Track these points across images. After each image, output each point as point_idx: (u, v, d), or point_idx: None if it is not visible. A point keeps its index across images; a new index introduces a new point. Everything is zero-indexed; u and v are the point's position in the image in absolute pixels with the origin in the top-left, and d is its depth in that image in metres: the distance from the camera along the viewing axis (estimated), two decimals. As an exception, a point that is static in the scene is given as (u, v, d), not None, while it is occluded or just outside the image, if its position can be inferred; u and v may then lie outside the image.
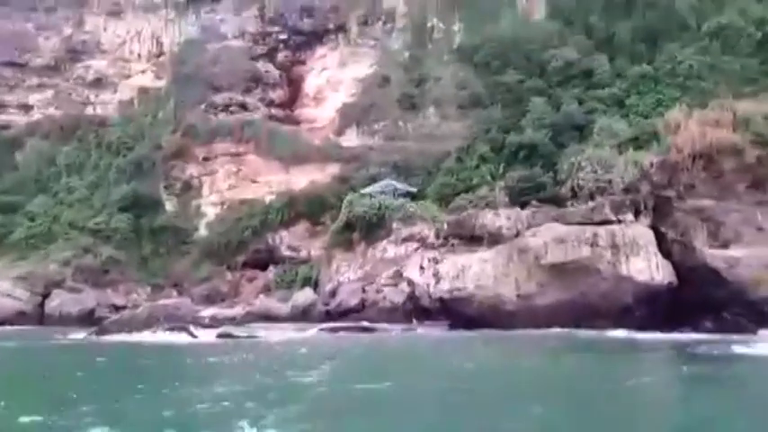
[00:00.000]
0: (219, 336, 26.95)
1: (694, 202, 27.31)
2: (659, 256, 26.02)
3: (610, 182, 29.43)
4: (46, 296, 44.31)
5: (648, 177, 28.47)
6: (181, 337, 27.19)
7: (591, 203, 28.51)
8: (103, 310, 42.97)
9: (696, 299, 24.96)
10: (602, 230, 26.34)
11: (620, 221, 26.87)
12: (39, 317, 42.89)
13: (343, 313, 34.97)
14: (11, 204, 50.32)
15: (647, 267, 25.52)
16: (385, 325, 29.37)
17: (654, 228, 27.22)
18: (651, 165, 28.69)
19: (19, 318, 42.48)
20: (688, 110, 31.33)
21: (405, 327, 29.62)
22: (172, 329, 27.68)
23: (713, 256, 25.84)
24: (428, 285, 29.55)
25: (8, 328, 39.21)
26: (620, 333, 23.39)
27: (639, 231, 26.46)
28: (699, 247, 26.24)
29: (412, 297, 32.51)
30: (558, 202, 33.01)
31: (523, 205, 33.40)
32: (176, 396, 11.83)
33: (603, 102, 43.47)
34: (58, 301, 43.81)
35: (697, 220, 26.84)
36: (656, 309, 25.08)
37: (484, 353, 20.31)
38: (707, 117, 29.52)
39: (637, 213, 27.54)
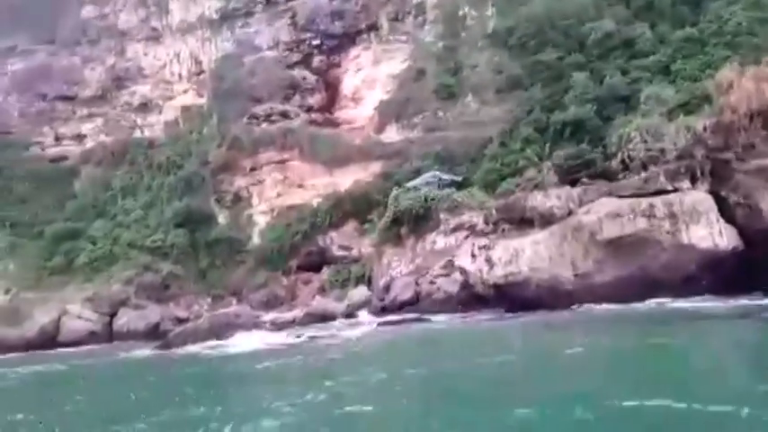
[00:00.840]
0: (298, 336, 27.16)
1: (756, 161, 25.97)
2: (722, 221, 24.89)
3: (662, 150, 28.26)
4: (113, 315, 45.98)
5: (703, 141, 27.23)
6: (250, 343, 27.68)
7: (644, 174, 27.49)
8: (168, 323, 44.27)
9: (765, 262, 23.70)
10: (658, 201, 25.38)
11: (676, 190, 25.83)
12: (108, 335, 44.53)
13: (398, 307, 34.93)
14: (74, 231, 52.40)
15: (709, 234, 24.44)
16: (440, 316, 29.12)
17: (714, 193, 26.04)
18: (705, 128, 27.44)
19: (90, 338, 44.23)
20: (740, 68, 29.79)
21: (461, 315, 29.24)
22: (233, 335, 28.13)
23: (781, 216, 24.53)
24: (481, 272, 29.15)
25: (82, 348, 40.95)
26: (685, 303, 22.43)
27: (698, 198, 25.38)
28: (765, 208, 24.93)
29: (465, 286, 32.11)
30: (608, 176, 31.89)
31: (573, 183, 32.48)
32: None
33: (648, 70, 41.80)
34: (125, 319, 45.41)
35: (760, 180, 25.52)
36: (722, 276, 23.95)
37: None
38: (762, 73, 27.95)
39: (693, 180, 26.41)
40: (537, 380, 12.57)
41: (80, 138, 60.53)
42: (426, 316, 29.34)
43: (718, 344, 15.20)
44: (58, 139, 60.45)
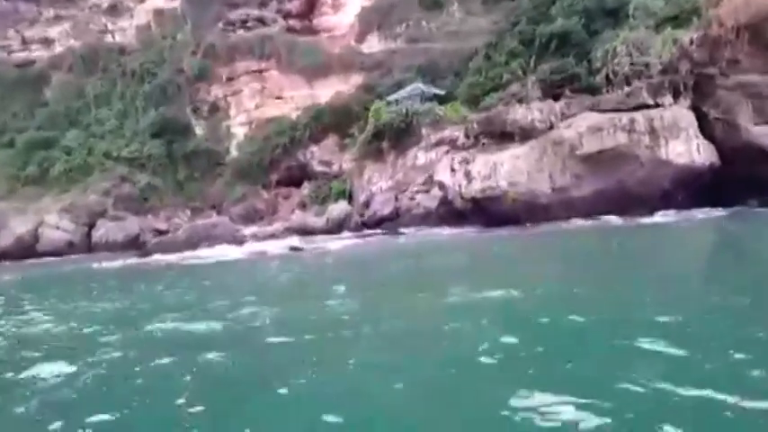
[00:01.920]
0: (291, 249, 27.26)
1: (738, 77, 25.67)
2: (701, 137, 24.92)
3: (647, 64, 27.78)
4: (91, 226, 45.74)
5: (688, 55, 26.73)
6: (228, 252, 27.86)
7: (627, 88, 27.13)
8: (147, 235, 44.22)
9: (741, 179, 24.00)
10: (639, 115, 25.21)
11: (658, 105, 25.61)
12: (87, 246, 44.46)
13: (377, 222, 35.19)
14: (47, 140, 51.00)
15: (687, 150, 24.53)
16: (411, 229, 29.43)
17: (695, 108, 25.90)
18: (691, 42, 26.86)
19: (69, 248, 44.16)
20: (732, -21, 28.87)
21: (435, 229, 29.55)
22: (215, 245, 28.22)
23: (759, 133, 24.57)
24: (459, 186, 29.17)
25: (61, 258, 40.98)
26: (659, 218, 22.86)
27: (679, 113, 25.23)
28: (743, 124, 24.94)
29: (445, 201, 32.26)
30: (593, 92, 31.40)
31: (557, 98, 32.05)
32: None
33: (639, -19, 40.39)
34: (103, 230, 45.23)
35: (741, 96, 25.34)
36: (698, 191, 24.28)
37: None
38: (754, -15, 27.16)
39: (676, 95, 26.15)
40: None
41: (48, 42, 57.67)
42: (402, 229, 29.53)
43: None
44: (24, 42, 57.60)
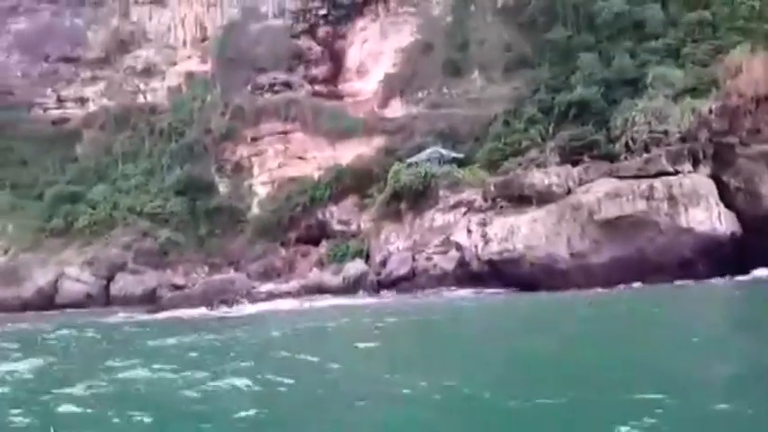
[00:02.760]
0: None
1: (759, 146, 25.66)
2: (721, 205, 24.63)
3: (666, 132, 27.94)
4: (110, 279, 46.19)
5: (707, 124, 26.87)
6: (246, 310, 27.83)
7: (646, 155, 27.16)
8: (164, 290, 44.40)
9: (764, 249, 23.50)
10: (658, 182, 25.11)
11: (677, 172, 25.55)
12: (105, 299, 44.79)
13: (393, 282, 34.92)
14: (74, 194, 52.33)
15: (708, 218, 24.22)
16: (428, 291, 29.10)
17: (715, 177, 25.74)
18: (710, 111, 27.06)
19: (87, 300, 44.53)
20: (751, 52, 29.24)
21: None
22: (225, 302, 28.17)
23: (781, 202, 24.27)
24: (476, 248, 29.03)
25: (79, 310, 41.20)
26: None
27: (699, 181, 25.09)
28: (765, 193, 24.65)
29: (462, 263, 32.00)
30: (611, 159, 31.52)
31: (575, 164, 32.18)
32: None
33: (657, 53, 40.95)
34: (122, 283, 45.62)
35: (762, 165, 25.23)
36: (719, 260, 23.77)
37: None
38: (772, 57, 27.48)
39: (696, 163, 26.11)
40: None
41: (83, 101, 60.11)
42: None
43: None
44: (60, 101, 60.04)
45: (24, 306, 42.58)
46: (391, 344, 14.55)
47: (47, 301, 43.87)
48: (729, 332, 12.47)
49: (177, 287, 45.06)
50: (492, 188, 30.59)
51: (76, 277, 46.41)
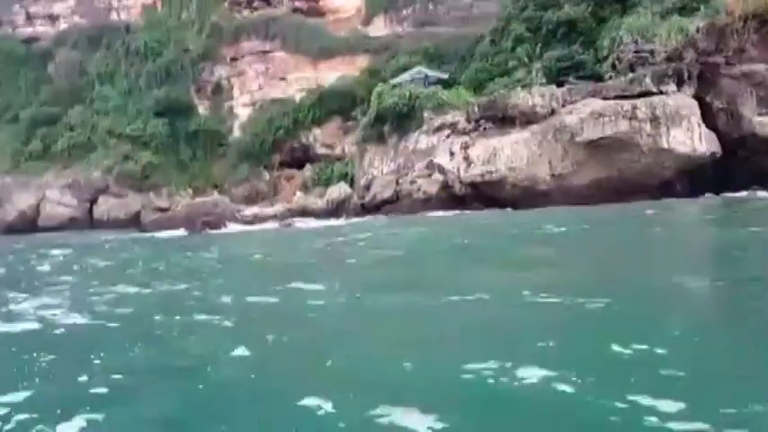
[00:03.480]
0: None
1: (744, 67, 25.34)
2: (703, 126, 24.61)
3: (651, 52, 27.45)
4: (93, 202, 45.99)
5: (694, 44, 26.40)
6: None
7: (631, 75, 26.83)
8: (149, 212, 44.41)
9: (744, 170, 23.79)
10: (641, 103, 24.90)
11: (661, 92, 25.29)
12: (88, 221, 44.77)
13: (377, 206, 35.07)
14: (51, 116, 51.19)
15: (690, 138, 24.24)
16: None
17: (698, 97, 25.60)
18: (697, 30, 26.52)
19: (71, 223, 44.51)
20: (743, -32, 28.41)
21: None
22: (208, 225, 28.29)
23: (763, 123, 24.32)
24: (458, 170, 29.00)
25: (62, 233, 41.19)
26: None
27: (682, 102, 24.90)
28: (747, 115, 24.67)
29: (445, 186, 32.09)
30: (598, 79, 31.18)
31: (561, 85, 31.82)
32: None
33: (648, -32, 39.84)
34: (105, 207, 45.54)
35: (746, 86, 25.03)
36: (699, 181, 24.06)
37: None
38: (764, -26, 26.72)
39: (680, 83, 25.82)
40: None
41: (53, 18, 57.60)
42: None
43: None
44: (29, 18, 57.50)
45: (8, 229, 42.45)
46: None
47: (29, 224, 43.79)
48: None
49: (161, 210, 45.09)
50: (475, 109, 30.20)
51: (58, 200, 46.15)
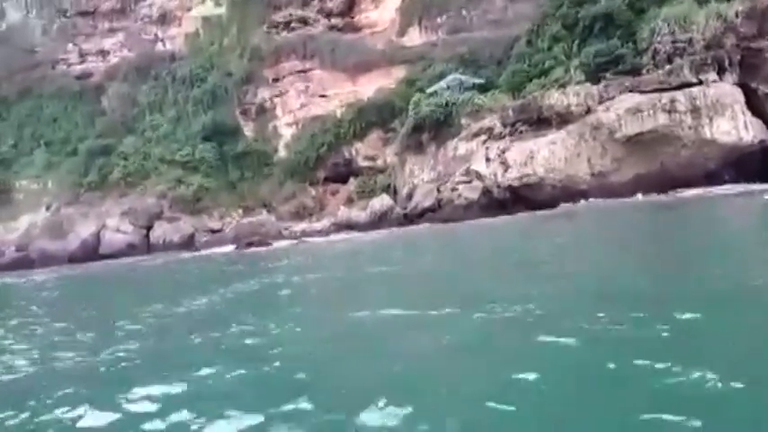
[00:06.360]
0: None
1: (790, 49, 24.27)
2: (748, 114, 23.64)
3: (690, 41, 26.56)
4: (149, 228, 47.81)
5: (734, 29, 25.42)
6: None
7: (668, 67, 26.05)
8: (201, 234, 45.86)
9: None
10: (680, 95, 24.16)
11: (701, 82, 24.45)
12: (146, 247, 46.49)
13: (419, 214, 35.16)
14: (106, 147, 53.60)
15: (734, 128, 23.31)
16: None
17: (742, 85, 24.60)
18: (737, 14, 25.52)
19: (130, 249, 46.31)
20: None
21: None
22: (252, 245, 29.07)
23: (813, 106, 23.18)
24: (496, 176, 28.78)
25: (123, 260, 42.97)
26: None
27: (723, 90, 24.03)
28: (796, 98, 23.57)
29: (486, 191, 31.89)
30: (638, 73, 30.39)
31: (598, 81, 31.11)
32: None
33: (686, -46, 38.56)
34: (161, 231, 47.21)
35: (793, 69, 23.95)
36: (746, 171, 23.08)
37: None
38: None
39: (721, 71, 24.90)
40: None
41: (103, 53, 60.56)
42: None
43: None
44: (82, 55, 60.63)
45: (70, 258, 44.63)
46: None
47: (90, 252, 45.82)
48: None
49: (213, 231, 46.52)
50: (510, 113, 29.97)
51: (117, 228, 48.20)
